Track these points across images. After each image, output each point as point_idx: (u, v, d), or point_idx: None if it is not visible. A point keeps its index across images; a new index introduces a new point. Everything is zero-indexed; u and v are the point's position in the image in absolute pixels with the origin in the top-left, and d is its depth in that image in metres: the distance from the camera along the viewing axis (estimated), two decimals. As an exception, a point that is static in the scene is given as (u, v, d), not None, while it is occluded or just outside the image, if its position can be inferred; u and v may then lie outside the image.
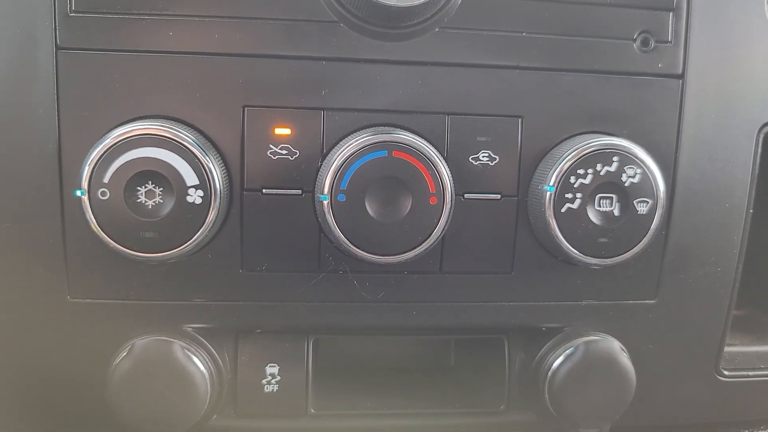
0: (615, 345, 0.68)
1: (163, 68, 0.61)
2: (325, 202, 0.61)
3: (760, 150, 0.70)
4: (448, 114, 0.64)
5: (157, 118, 0.61)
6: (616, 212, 0.64)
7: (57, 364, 0.65)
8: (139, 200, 0.59)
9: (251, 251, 0.64)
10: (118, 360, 0.63)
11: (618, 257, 0.65)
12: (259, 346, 0.70)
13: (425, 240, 0.63)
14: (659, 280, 0.71)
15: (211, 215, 0.60)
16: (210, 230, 0.60)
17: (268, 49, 0.61)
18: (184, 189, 0.59)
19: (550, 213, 0.64)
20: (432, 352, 0.80)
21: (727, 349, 0.76)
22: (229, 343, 0.70)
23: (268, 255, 0.64)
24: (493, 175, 0.65)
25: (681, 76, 0.67)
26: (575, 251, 0.65)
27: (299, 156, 0.63)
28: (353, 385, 0.75)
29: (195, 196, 0.59)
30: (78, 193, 0.58)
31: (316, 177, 0.63)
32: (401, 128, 0.63)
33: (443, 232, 0.63)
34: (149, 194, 0.59)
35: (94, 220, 0.59)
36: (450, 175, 0.62)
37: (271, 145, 0.62)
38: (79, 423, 0.67)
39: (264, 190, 0.63)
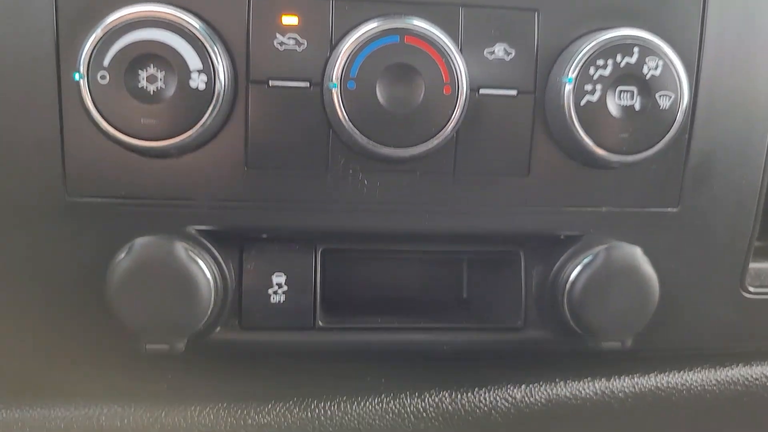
0: (637, 251, 0.65)
1: None
2: (335, 90, 0.58)
3: (786, 51, 0.67)
4: (462, 5, 0.62)
5: (159, 4, 0.58)
6: (638, 106, 0.61)
7: (55, 268, 0.62)
8: (140, 84, 0.56)
9: (256, 148, 0.61)
10: (117, 260, 0.60)
11: (639, 154, 0.62)
12: (265, 253, 0.67)
13: (438, 132, 0.60)
14: (682, 188, 0.68)
15: (215, 101, 0.57)
16: (214, 119, 0.58)
17: None
18: (187, 73, 0.57)
19: (569, 106, 0.61)
20: (445, 270, 0.77)
21: (752, 265, 0.73)
22: (234, 250, 0.67)
23: (274, 152, 0.62)
24: (509, 70, 0.63)
25: None
26: (595, 147, 0.62)
27: (307, 46, 0.60)
28: (362, 300, 0.72)
29: (198, 81, 0.57)
30: (76, 76, 0.56)
31: (325, 68, 0.60)
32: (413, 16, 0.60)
33: (458, 126, 0.60)
34: (151, 78, 0.56)
35: (92, 106, 0.56)
36: (465, 64, 0.59)
37: (278, 35, 0.60)
38: (78, 328, 0.64)
39: (270, 82, 0.60)
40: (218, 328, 0.67)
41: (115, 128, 0.57)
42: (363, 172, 0.63)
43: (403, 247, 0.71)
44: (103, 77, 0.56)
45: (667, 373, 0.77)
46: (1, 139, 0.60)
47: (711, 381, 0.78)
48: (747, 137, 0.68)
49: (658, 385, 0.77)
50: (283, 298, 0.67)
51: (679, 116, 0.62)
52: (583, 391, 0.75)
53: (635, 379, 0.76)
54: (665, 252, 0.69)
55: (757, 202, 0.70)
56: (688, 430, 0.79)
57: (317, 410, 0.68)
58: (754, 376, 0.79)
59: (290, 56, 0.60)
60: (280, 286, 0.67)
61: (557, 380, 0.74)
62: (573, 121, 0.61)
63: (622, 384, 0.76)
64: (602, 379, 0.75)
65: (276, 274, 0.67)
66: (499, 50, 0.62)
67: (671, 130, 0.62)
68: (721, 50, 0.66)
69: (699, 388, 0.78)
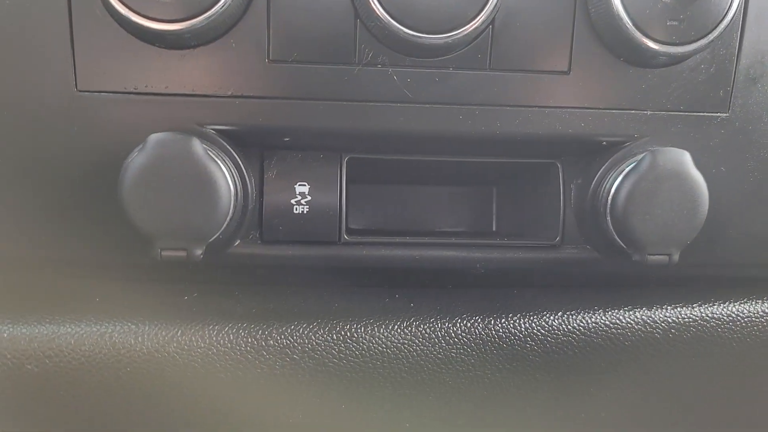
0: (685, 156, 0.61)
1: None
2: (364, -29, 0.54)
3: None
4: None
5: None
6: (689, -9, 0.57)
7: (65, 167, 0.58)
8: (155, -42, 0.52)
9: (279, 39, 0.57)
10: (130, 158, 0.55)
11: (689, 45, 0.58)
12: (287, 162, 0.63)
13: (474, 18, 0.56)
14: (732, 91, 0.63)
15: (237, -22, 0.53)
16: (234, 1, 0.53)
17: None
18: (206, -54, 0.52)
19: (614, -11, 0.56)
20: (474, 199, 0.72)
21: (805, 178, 0.68)
22: (255, 157, 0.62)
23: (298, 44, 0.58)
24: None
25: None
26: (641, 36, 0.57)
27: None
28: (391, 212, 0.68)
29: (219, -44, 0.53)
30: (87, -49, 0.52)
31: None
32: None
33: (495, 12, 0.56)
34: (167, -48, 0.52)
35: (104, -18, 0.52)
36: None
37: None
38: (89, 234, 0.59)
39: None
40: (238, 241, 0.62)
41: (128, 8, 0.53)
42: (393, 66, 0.59)
43: (432, 157, 0.66)
44: (115, -48, 0.52)
45: (711, 304, 0.73)
46: (8, 27, 0.56)
47: (758, 312, 0.73)
48: (802, 39, 0.64)
49: (703, 315, 0.72)
50: (306, 209, 0.63)
51: (733, 4, 0.58)
52: (623, 320, 0.70)
53: (678, 309, 0.72)
54: (714, 160, 0.64)
55: (811, 109, 0.65)
56: (735, 364, 0.74)
57: (343, 332, 0.64)
58: (806, 307, 0.74)
59: None
60: (303, 196, 0.63)
61: (596, 308, 0.70)
62: (618, 8, 0.57)
63: (665, 314, 0.71)
64: (644, 309, 0.71)
65: (299, 183, 0.63)
66: None
67: (724, 19, 0.58)
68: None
69: (745, 320, 0.73)
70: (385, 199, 0.73)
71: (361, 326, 0.64)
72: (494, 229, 0.75)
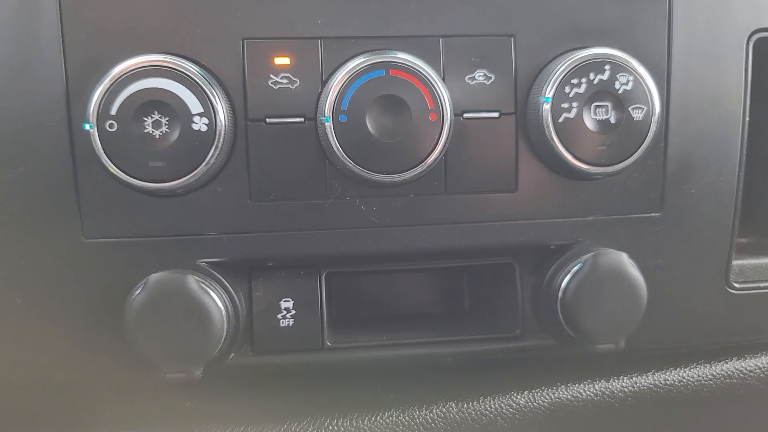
0: (623, 256, 0.69)
1: (163, 5, 0.63)
2: (327, 124, 0.62)
3: (751, 58, 0.71)
4: (442, 36, 0.66)
5: (159, 54, 0.62)
6: (613, 120, 0.65)
7: (75, 305, 0.66)
8: (146, 130, 0.61)
9: (259, 181, 0.65)
10: (133, 296, 0.64)
11: (618, 165, 0.66)
12: (272, 281, 0.71)
13: (427, 157, 0.64)
14: (663, 192, 0.71)
15: (217, 141, 0.61)
16: (217, 158, 0.62)
17: None
18: (189, 117, 0.61)
19: (548, 123, 0.65)
20: (446, 284, 0.80)
21: (736, 262, 0.77)
22: (243, 279, 0.71)
23: (276, 185, 0.66)
24: (490, 94, 0.67)
25: None
26: (575, 161, 0.66)
27: (299, 84, 0.64)
28: (367, 318, 0.76)
29: (200, 124, 0.61)
30: (87, 126, 0.60)
31: (317, 103, 0.64)
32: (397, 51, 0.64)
33: (445, 149, 0.64)
34: (156, 124, 0.61)
35: (103, 153, 0.61)
36: (447, 91, 0.63)
37: (271, 75, 0.64)
38: (99, 362, 0.68)
39: (267, 120, 0.64)
40: (232, 355, 0.70)
41: (125, 173, 0.61)
42: (359, 198, 0.67)
43: (402, 266, 0.74)
44: (111, 125, 0.60)
45: (663, 371, 0.80)
46: (19, 187, 0.64)
47: (707, 376, 0.81)
48: (721, 138, 0.72)
49: (656, 382, 0.80)
50: (291, 321, 0.71)
51: (653, 126, 0.66)
52: (584, 393, 0.78)
53: (633, 378, 0.79)
54: (651, 254, 0.73)
55: (735, 201, 0.73)
56: (689, 425, 0.82)
57: (330, 427, 0.72)
58: (748, 368, 0.82)
59: (284, 94, 0.64)
60: (288, 310, 0.71)
61: (558, 384, 0.77)
62: (553, 138, 0.65)
63: (621, 384, 0.79)
64: (602, 381, 0.79)
65: (284, 299, 0.71)
66: (480, 75, 0.67)
67: (645, 140, 0.66)
68: (690, 58, 0.70)
69: (696, 383, 0.81)
70: (365, 289, 0.82)
71: (347, 420, 0.72)
72: (467, 308, 0.83)
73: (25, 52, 0.62)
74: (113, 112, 0.60)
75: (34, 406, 0.71)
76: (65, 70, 0.62)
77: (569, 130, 0.65)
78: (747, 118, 0.72)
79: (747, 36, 0.71)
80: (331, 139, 0.62)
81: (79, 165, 0.63)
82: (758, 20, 0.71)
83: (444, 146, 0.64)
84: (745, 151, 0.72)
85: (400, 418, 0.73)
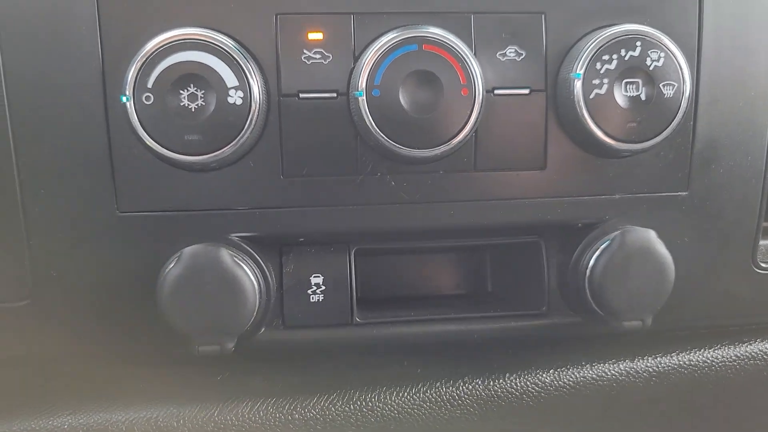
0: (651, 234, 0.69)
1: None
2: (360, 98, 0.63)
3: (781, 37, 0.71)
4: (473, 13, 0.66)
5: (195, 27, 0.63)
6: (643, 96, 0.66)
7: (110, 278, 0.67)
8: (182, 103, 0.61)
9: (291, 157, 0.66)
10: (167, 269, 0.64)
11: (648, 141, 0.66)
12: (302, 257, 0.72)
13: (458, 133, 0.64)
14: (690, 172, 0.72)
15: (252, 115, 0.62)
16: (251, 132, 0.62)
17: None
18: (224, 90, 0.61)
19: (579, 100, 0.65)
20: (470, 264, 0.81)
21: (763, 242, 0.77)
22: (274, 255, 0.71)
23: (308, 160, 0.66)
24: (520, 70, 0.67)
25: None
26: (605, 137, 0.66)
27: (332, 59, 0.65)
28: (394, 297, 0.77)
29: (236, 97, 0.62)
30: (123, 99, 0.61)
31: (350, 78, 0.65)
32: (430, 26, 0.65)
33: (476, 125, 0.65)
34: (191, 97, 0.61)
35: (140, 125, 0.61)
36: (479, 67, 0.64)
37: (304, 50, 0.65)
38: (134, 335, 0.69)
39: (300, 95, 0.65)
40: (263, 329, 0.71)
41: (161, 145, 0.62)
42: (390, 174, 0.67)
43: (429, 243, 0.75)
44: (147, 98, 0.61)
45: (688, 352, 0.81)
46: (55, 159, 0.65)
47: (731, 357, 0.82)
48: (749, 120, 0.72)
49: (681, 363, 0.80)
50: (321, 297, 0.72)
51: (683, 104, 0.66)
52: (609, 372, 0.78)
53: (658, 358, 0.80)
54: (678, 233, 0.73)
55: (762, 182, 0.74)
56: (713, 406, 0.82)
57: (359, 402, 0.73)
58: (772, 350, 0.82)
59: (317, 69, 0.65)
60: (318, 286, 0.72)
61: (583, 363, 0.78)
62: (584, 114, 0.65)
63: (646, 364, 0.79)
64: (626, 360, 0.79)
65: (314, 275, 0.72)
66: (511, 52, 0.67)
67: (676, 117, 0.66)
68: (720, 39, 0.70)
69: (720, 364, 0.81)
70: (392, 269, 0.82)
71: (374, 396, 0.73)
72: (490, 289, 0.84)
73: (61, 26, 0.63)
74: (150, 84, 0.61)
75: (68, 377, 0.72)
76: (101, 44, 0.63)
77: (600, 107, 0.65)
78: (777, 99, 0.72)
79: (778, 15, 0.71)
80: (364, 114, 0.63)
81: (114, 138, 0.64)
82: (789, 1, 0.71)
83: (475, 122, 0.64)
84: (774, 132, 0.73)
85: (427, 393, 0.74)
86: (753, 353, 0.82)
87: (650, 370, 0.79)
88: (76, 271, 0.67)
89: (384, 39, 0.63)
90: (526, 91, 0.67)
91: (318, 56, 0.65)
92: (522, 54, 0.67)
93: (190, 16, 0.63)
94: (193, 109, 0.61)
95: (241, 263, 0.65)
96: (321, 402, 0.72)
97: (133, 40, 0.63)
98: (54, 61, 0.64)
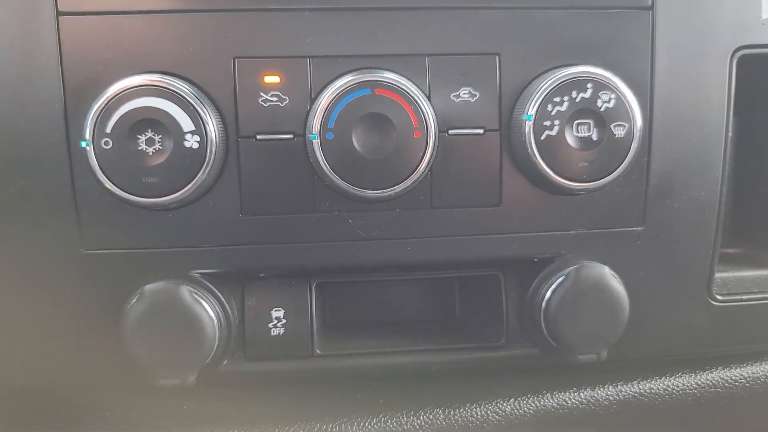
0: (605, 269, 0.71)
1: (156, 26, 0.65)
2: (315, 141, 0.64)
3: (734, 74, 0.73)
4: (428, 55, 0.68)
5: (153, 74, 0.64)
6: (594, 137, 0.67)
7: (73, 314, 0.69)
8: (140, 148, 0.63)
9: (250, 196, 0.68)
10: (129, 305, 0.66)
11: (600, 180, 0.68)
12: (264, 291, 0.74)
13: (412, 173, 0.66)
14: (645, 207, 0.73)
15: (209, 158, 0.64)
16: (208, 174, 0.64)
17: (255, 3, 0.66)
18: (181, 135, 0.63)
19: (530, 140, 0.67)
20: (435, 292, 0.83)
21: (719, 274, 0.78)
22: (236, 289, 0.73)
23: (266, 199, 0.68)
24: (474, 111, 0.69)
25: (651, 7, 0.70)
26: (557, 177, 0.67)
27: (289, 102, 0.66)
28: (357, 327, 0.78)
29: (192, 141, 0.63)
30: (83, 144, 0.63)
31: (306, 120, 0.66)
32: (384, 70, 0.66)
33: (429, 166, 0.66)
34: (149, 141, 0.63)
35: (99, 169, 0.63)
36: (432, 109, 0.65)
37: (261, 93, 0.66)
38: (97, 368, 0.70)
39: (258, 136, 0.67)
40: (225, 361, 0.73)
41: (120, 188, 0.64)
42: (347, 212, 0.69)
43: (388, 277, 0.77)
44: (106, 143, 0.63)
45: (648, 380, 0.82)
46: (20, 200, 0.67)
47: (692, 385, 0.83)
48: (703, 154, 0.73)
49: (641, 391, 0.81)
50: (282, 330, 0.73)
51: (634, 143, 0.68)
52: (569, 401, 0.80)
53: (618, 386, 0.81)
54: (634, 267, 0.74)
55: (717, 215, 0.75)
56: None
57: (320, 432, 0.74)
58: (733, 378, 0.83)
59: (274, 112, 0.67)
60: (279, 319, 0.73)
61: (544, 392, 0.79)
62: (535, 155, 0.67)
63: (606, 392, 0.81)
64: (587, 389, 0.80)
65: (275, 309, 0.74)
66: (465, 93, 0.68)
67: (627, 156, 0.68)
68: (672, 76, 0.71)
69: (680, 392, 0.82)
70: (357, 297, 0.84)
71: (336, 426, 0.75)
72: (458, 315, 0.85)
73: (24, 70, 0.65)
74: (108, 130, 0.62)
75: (34, 409, 0.74)
76: (63, 89, 0.65)
77: (551, 147, 0.67)
78: (730, 134, 0.73)
79: (731, 52, 0.72)
80: (318, 156, 0.64)
81: (78, 180, 0.66)
82: (742, 37, 0.73)
83: (429, 162, 0.66)
84: (727, 166, 0.74)
85: (388, 423, 0.76)
86: (714, 381, 0.83)
87: (611, 398, 0.80)
88: (42, 306, 0.69)
89: (338, 83, 0.65)
90: (481, 131, 0.69)
91: (275, 99, 0.66)
92: (476, 95, 0.68)
93: (150, 62, 0.65)
94: (150, 153, 0.63)
95: (200, 300, 0.67)
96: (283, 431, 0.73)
97: (94, 85, 0.64)
98: (19, 103, 0.65)
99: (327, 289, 0.77)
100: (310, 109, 0.66)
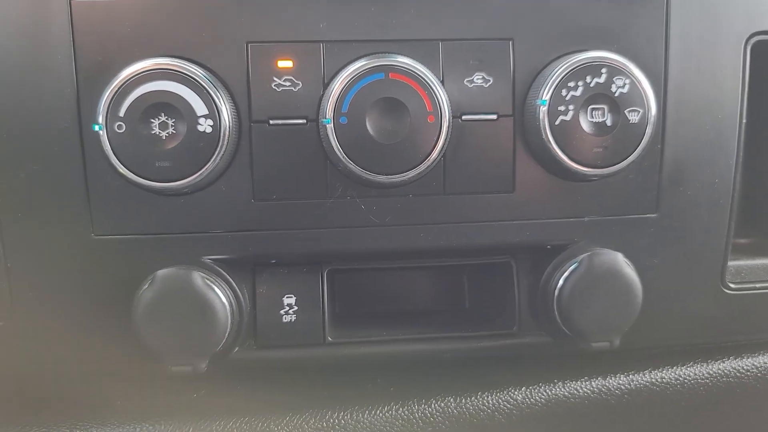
0: (618, 256, 0.70)
1: (169, 11, 0.65)
2: (329, 126, 0.64)
3: (748, 61, 0.72)
4: (441, 40, 0.67)
5: (166, 57, 0.64)
6: (609, 122, 0.67)
7: (85, 300, 0.68)
8: (153, 131, 0.63)
9: (262, 181, 0.67)
10: (141, 291, 0.66)
11: (614, 166, 0.67)
12: (275, 278, 0.73)
13: (425, 158, 0.65)
14: (659, 194, 0.73)
15: (222, 142, 0.63)
16: (221, 158, 0.64)
17: None
18: (194, 118, 0.63)
19: (544, 126, 0.66)
20: (446, 281, 0.82)
21: (732, 263, 0.78)
22: (247, 276, 0.73)
23: (278, 184, 0.68)
24: (488, 96, 0.68)
25: None
26: (571, 162, 0.67)
27: (302, 87, 0.66)
28: (368, 315, 0.78)
29: (205, 125, 0.63)
30: (96, 128, 0.62)
31: (319, 105, 0.66)
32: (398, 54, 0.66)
33: (443, 151, 0.66)
34: (162, 125, 0.63)
35: (112, 153, 0.63)
36: (446, 94, 0.65)
37: (274, 78, 0.66)
38: (109, 355, 0.70)
39: (270, 121, 0.66)
40: (236, 348, 0.73)
41: (133, 172, 0.63)
42: (359, 197, 0.69)
43: (400, 264, 0.76)
44: (119, 127, 0.62)
45: (660, 369, 0.81)
46: (32, 185, 0.66)
47: (704, 374, 0.82)
48: (717, 141, 0.73)
49: (653, 380, 0.81)
50: (294, 317, 0.73)
51: (648, 129, 0.67)
52: (581, 390, 0.79)
53: (630, 376, 0.81)
54: (647, 255, 0.74)
55: (730, 203, 0.74)
56: (684, 423, 0.83)
57: (331, 420, 0.74)
58: (745, 367, 0.83)
59: (287, 96, 0.66)
60: (290, 306, 0.73)
61: (555, 381, 0.79)
62: (549, 140, 0.67)
63: (618, 381, 0.80)
64: (598, 378, 0.80)
65: (287, 295, 0.73)
66: (478, 78, 0.68)
67: (641, 142, 0.67)
68: (686, 62, 0.71)
69: (692, 382, 0.82)
70: (368, 285, 0.84)
71: (347, 413, 0.74)
72: (467, 305, 0.85)
73: (37, 55, 0.64)
74: (121, 113, 0.62)
75: (44, 396, 0.74)
76: (76, 73, 0.64)
77: (565, 133, 0.66)
78: (744, 121, 0.73)
79: (745, 39, 0.72)
80: (332, 140, 0.64)
81: (89, 164, 0.66)
82: (756, 23, 0.72)
83: (442, 148, 0.65)
84: (741, 154, 0.73)
85: (399, 411, 0.75)
86: (726, 371, 0.83)
87: (622, 387, 0.80)
88: (53, 291, 0.68)
89: (352, 67, 0.64)
90: (494, 117, 0.68)
91: (288, 84, 0.66)
92: (490, 80, 0.68)
93: (163, 46, 0.65)
94: (164, 137, 0.63)
95: (212, 285, 0.66)
96: (294, 420, 0.73)
97: (106, 69, 0.64)
98: (31, 87, 0.65)
99: (338, 277, 0.76)
100: (323, 94, 0.66)
